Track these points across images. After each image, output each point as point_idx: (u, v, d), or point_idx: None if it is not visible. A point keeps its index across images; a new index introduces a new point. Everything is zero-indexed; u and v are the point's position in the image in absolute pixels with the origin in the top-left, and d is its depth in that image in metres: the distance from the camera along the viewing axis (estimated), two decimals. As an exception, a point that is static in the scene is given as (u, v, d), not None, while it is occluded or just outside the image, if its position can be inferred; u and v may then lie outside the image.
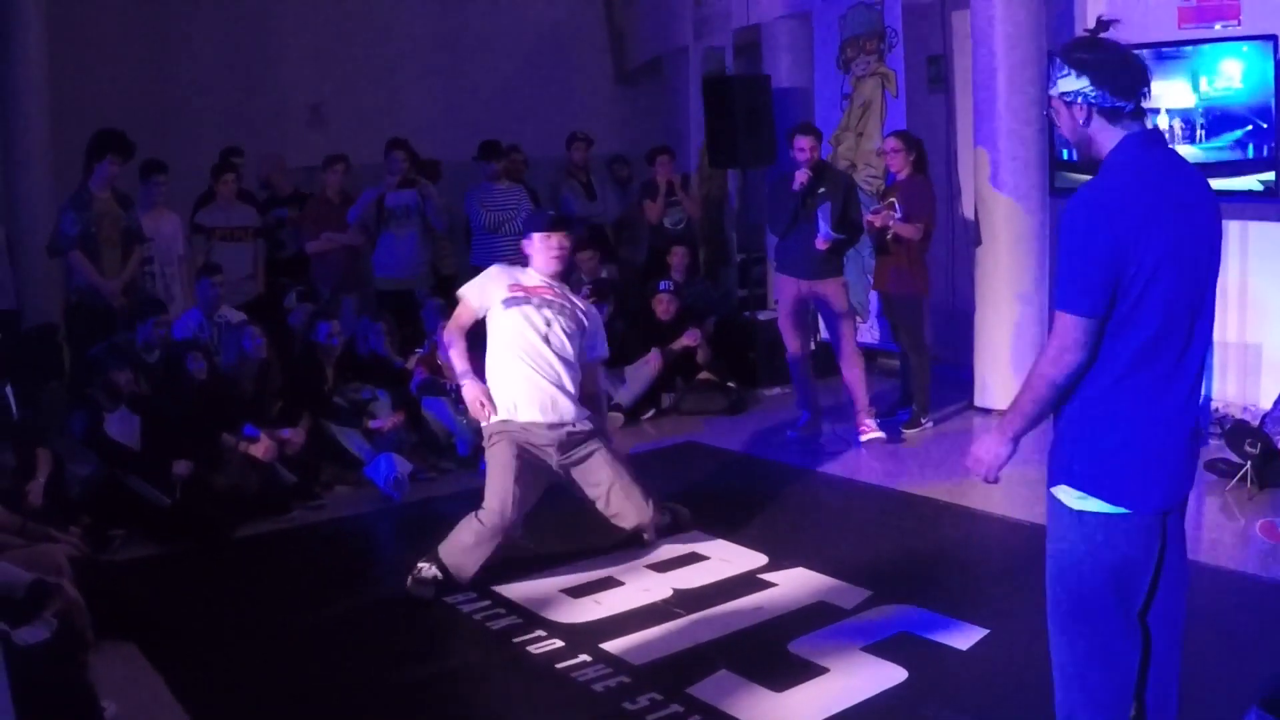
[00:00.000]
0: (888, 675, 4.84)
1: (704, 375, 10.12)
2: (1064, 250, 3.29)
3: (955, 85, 10.37)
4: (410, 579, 5.92)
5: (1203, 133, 7.96)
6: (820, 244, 8.35)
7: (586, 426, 6.25)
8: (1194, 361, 3.35)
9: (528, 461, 6.08)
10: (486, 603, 5.80)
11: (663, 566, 6.24)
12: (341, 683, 5.02)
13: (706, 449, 8.85)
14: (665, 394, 9.93)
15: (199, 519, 6.93)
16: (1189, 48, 8.04)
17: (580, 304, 6.51)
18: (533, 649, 5.26)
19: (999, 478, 3.62)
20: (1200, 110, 7.96)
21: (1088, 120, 3.39)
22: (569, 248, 6.48)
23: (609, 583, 6.04)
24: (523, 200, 10.66)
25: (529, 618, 5.61)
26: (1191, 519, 6.72)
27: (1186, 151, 7.92)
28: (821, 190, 8.36)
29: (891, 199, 8.63)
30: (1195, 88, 7.95)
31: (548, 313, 6.20)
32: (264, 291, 10.14)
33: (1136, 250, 3.19)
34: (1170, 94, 8.04)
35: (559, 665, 5.08)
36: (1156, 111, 8.08)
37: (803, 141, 8.41)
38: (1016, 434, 3.49)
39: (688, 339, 10.03)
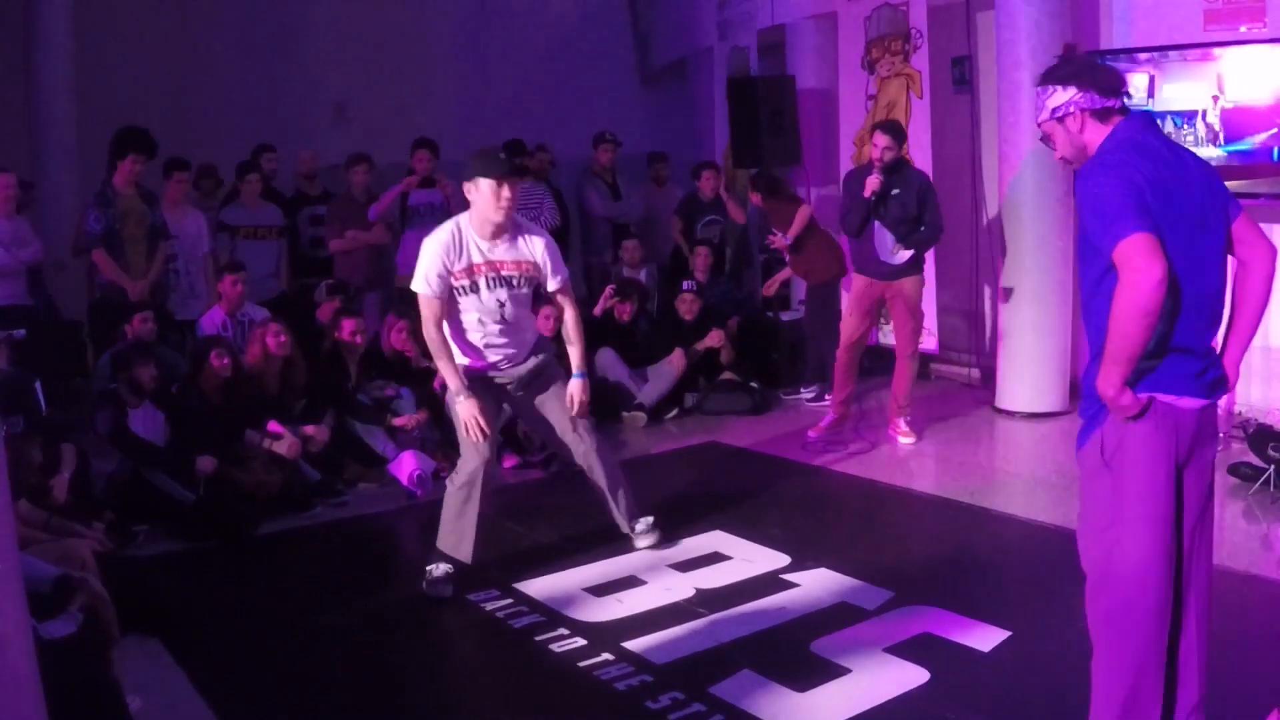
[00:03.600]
0: (909, 676, 4.83)
1: (727, 375, 10.12)
2: (1087, 209, 3.44)
3: (980, 86, 10.33)
4: (424, 582, 5.95)
5: (1225, 135, 7.92)
6: (899, 260, 8.35)
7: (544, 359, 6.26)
8: (1196, 311, 3.50)
9: (486, 397, 6.06)
10: (509, 601, 5.82)
11: (685, 566, 6.24)
12: (363, 679, 5.03)
13: (729, 449, 8.85)
14: (688, 394, 9.94)
15: (222, 515, 6.94)
16: (1214, 49, 8.01)
17: (525, 246, 5.99)
18: (555, 647, 5.27)
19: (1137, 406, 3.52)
20: (1224, 112, 7.92)
21: (1082, 128, 3.59)
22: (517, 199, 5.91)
23: (631, 581, 6.04)
24: (545, 199, 10.69)
25: (551, 616, 5.61)
26: (1214, 522, 6.75)
27: (1209, 153, 7.90)
28: (895, 192, 8.29)
29: None
30: (1219, 90, 7.92)
31: (500, 293, 5.92)
32: (289, 290, 10.19)
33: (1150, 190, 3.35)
34: (1194, 96, 8.02)
35: (581, 664, 5.09)
36: (1163, 116, 8.08)
37: (880, 139, 8.24)
38: (1119, 382, 3.44)
39: (711, 339, 10.04)
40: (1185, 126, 8.08)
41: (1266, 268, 3.68)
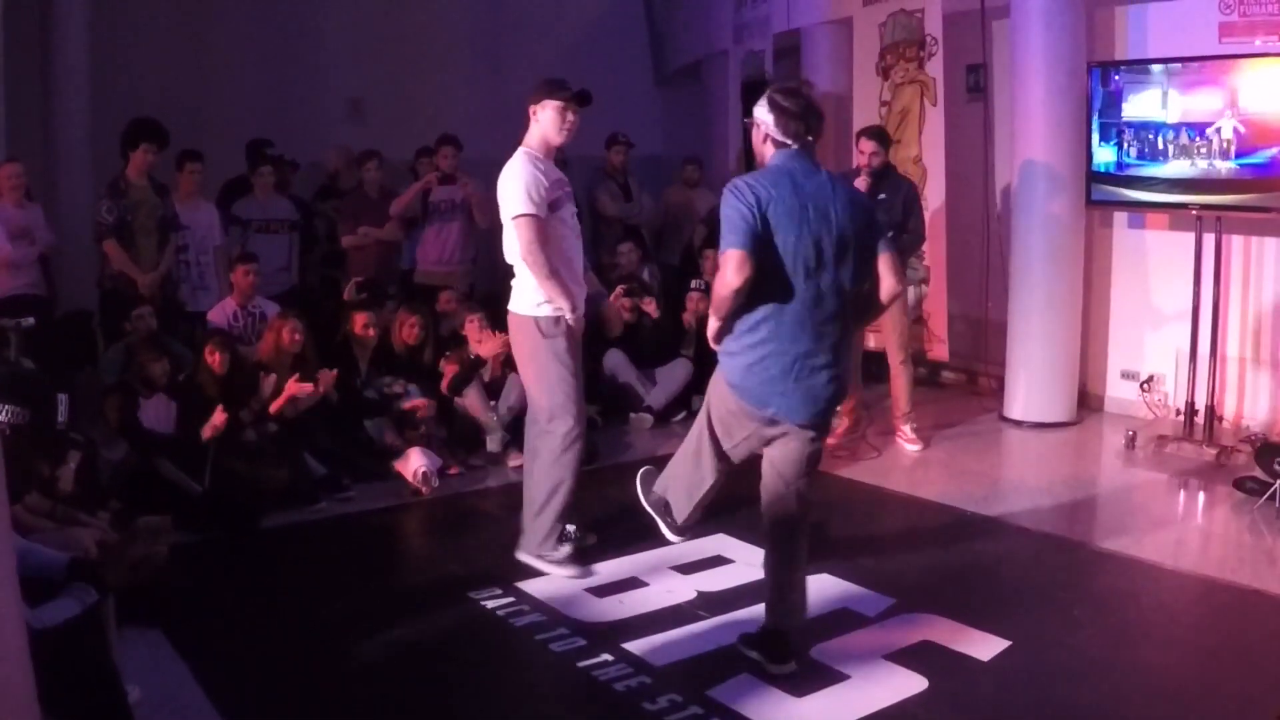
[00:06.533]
0: (908, 684, 4.84)
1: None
2: (722, 219, 4.46)
3: (994, 94, 10.33)
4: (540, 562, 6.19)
5: (1238, 148, 7.91)
6: None
7: None
8: (810, 307, 4.55)
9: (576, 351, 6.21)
10: (510, 599, 5.82)
11: (687, 568, 6.24)
12: (363, 674, 5.05)
13: (735, 452, 8.79)
14: (696, 396, 9.92)
15: (228, 507, 6.96)
16: (1229, 62, 8.00)
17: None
18: (554, 646, 5.28)
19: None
20: (1238, 125, 7.91)
21: (764, 142, 4.73)
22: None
23: (633, 583, 6.04)
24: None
25: (552, 615, 5.62)
26: (1219, 536, 6.78)
27: (1223, 165, 7.91)
28: (882, 197, 8.26)
29: None
30: (1234, 102, 7.91)
31: (571, 206, 6.33)
32: (311, 281, 10.23)
33: (763, 215, 4.43)
34: (1209, 108, 8.02)
35: (580, 664, 5.10)
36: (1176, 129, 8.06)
37: (864, 145, 8.32)
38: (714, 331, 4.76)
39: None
40: (1198, 139, 8.08)
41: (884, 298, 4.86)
